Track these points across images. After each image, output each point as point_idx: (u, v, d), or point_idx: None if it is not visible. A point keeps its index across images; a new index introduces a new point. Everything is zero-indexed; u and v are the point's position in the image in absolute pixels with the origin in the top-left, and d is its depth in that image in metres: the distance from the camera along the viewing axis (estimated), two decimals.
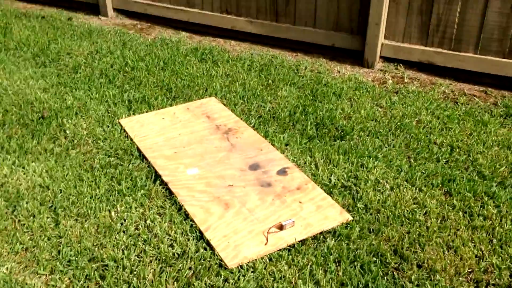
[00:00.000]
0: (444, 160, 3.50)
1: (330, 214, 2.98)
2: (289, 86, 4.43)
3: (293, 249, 2.76)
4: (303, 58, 5.04)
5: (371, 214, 3.00)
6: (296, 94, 4.28)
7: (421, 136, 3.74)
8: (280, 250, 2.75)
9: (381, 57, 4.86)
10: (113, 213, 2.98)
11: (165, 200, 3.09)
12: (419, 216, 2.98)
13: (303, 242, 2.80)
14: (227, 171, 3.33)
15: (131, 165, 3.38)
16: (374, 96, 4.30)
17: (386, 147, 3.62)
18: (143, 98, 4.20)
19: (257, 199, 3.10)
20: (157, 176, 3.28)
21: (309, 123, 3.85)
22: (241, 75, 4.61)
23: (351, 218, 2.96)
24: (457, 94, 4.38)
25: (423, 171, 3.37)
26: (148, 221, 2.92)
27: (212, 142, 3.62)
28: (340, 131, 3.79)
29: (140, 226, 2.89)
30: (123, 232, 2.86)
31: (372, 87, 4.45)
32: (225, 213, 2.98)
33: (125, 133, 3.73)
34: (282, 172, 3.33)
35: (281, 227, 2.87)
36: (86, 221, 2.93)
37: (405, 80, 4.60)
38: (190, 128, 3.79)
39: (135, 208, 3.03)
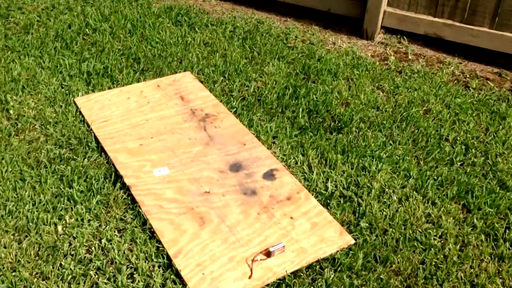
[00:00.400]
0: (459, 163, 2.97)
1: (328, 236, 2.45)
2: (277, 60, 3.81)
3: (283, 284, 2.23)
4: (293, 25, 4.40)
5: (377, 235, 2.47)
6: (285, 71, 3.67)
7: (430, 130, 3.20)
8: (267, 285, 2.22)
9: (382, 27, 4.25)
10: (60, 228, 2.40)
11: (127, 211, 2.52)
12: (434, 240, 2.48)
13: (295, 273, 2.28)
14: (203, 172, 2.76)
15: (86, 160, 2.78)
16: (375, 76, 3.72)
17: (390, 144, 3.07)
18: (105, 70, 3.55)
19: (239, 212, 2.54)
20: (118, 177, 2.70)
21: (300, 109, 3.27)
22: (222, 44, 3.97)
23: (353, 241, 2.43)
24: (468, 76, 3.83)
25: (435, 178, 2.85)
26: (103, 241, 2.35)
27: (186, 132, 3.02)
28: (336, 122, 3.22)
29: (93, 248, 2.33)
30: (71, 256, 2.29)
31: (372, 64, 3.86)
32: (200, 231, 2.43)
33: (81, 116, 3.10)
34: (269, 175, 2.77)
35: (268, 254, 2.33)
36: (25, 238, 2.35)
37: (409, 57, 4.02)
38: (160, 112, 3.17)
39: (89, 221, 2.45)
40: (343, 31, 4.35)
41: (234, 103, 3.30)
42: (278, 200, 2.62)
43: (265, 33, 4.18)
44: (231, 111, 3.22)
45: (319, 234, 2.45)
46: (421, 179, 2.82)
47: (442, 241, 2.47)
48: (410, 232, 2.50)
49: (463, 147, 3.10)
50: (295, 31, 4.27)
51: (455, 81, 3.77)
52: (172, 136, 2.98)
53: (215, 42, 3.99)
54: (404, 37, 4.20)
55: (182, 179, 2.70)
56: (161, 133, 3.00)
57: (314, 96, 3.42)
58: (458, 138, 3.16)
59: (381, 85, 3.64)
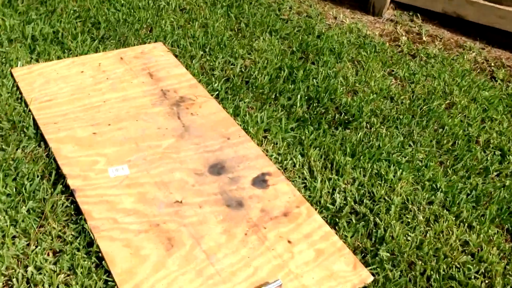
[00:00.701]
0: (495, 173, 2.39)
1: (338, 269, 1.83)
2: (269, 34, 3.15)
3: None
4: None
5: (401, 271, 1.86)
6: (278, 48, 3.02)
7: (456, 129, 2.60)
8: None
9: (392, 1, 3.62)
10: None
11: (67, 225, 1.86)
12: (476, 279, 1.88)
13: None
14: (174, 173, 2.10)
15: (19, 150, 2.10)
16: (385, 59, 3.10)
17: (410, 145, 2.47)
18: (55, 36, 2.84)
19: (220, 231, 1.90)
20: (60, 176, 2.02)
21: (298, 96, 2.63)
22: (202, 11, 3.28)
23: (372, 278, 1.82)
24: (493, 64, 3.23)
25: (469, 192, 2.25)
26: (30, 269, 1.69)
27: (155, 120, 2.35)
28: (343, 114, 2.59)
29: (14, 279, 1.66)
30: None
31: (381, 45, 3.23)
32: (167, 258, 1.78)
33: (18, 92, 2.41)
34: (261, 181, 2.13)
35: None
36: None
37: (424, 38, 3.40)
38: (122, 92, 2.49)
39: (13, 238, 1.78)
40: (345, 3, 3.71)
41: (216, 85, 2.63)
42: (272, 216, 1.99)
43: (253, 1, 3.50)
44: (212, 95, 2.56)
45: (327, 267, 1.83)
46: (452, 193, 2.22)
47: (487, 282, 1.88)
48: (444, 266, 1.90)
49: (498, 152, 2.51)
50: (289, 1, 3.60)
51: (479, 70, 3.17)
52: (135, 124, 2.31)
53: (193, 8, 3.29)
54: (418, 14, 3.58)
55: (146, 183, 2.04)
56: (122, 119, 2.33)
57: (314, 80, 2.78)
58: (491, 141, 2.56)
59: (393, 70, 3.01)
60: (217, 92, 2.59)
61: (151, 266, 1.74)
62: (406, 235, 2.01)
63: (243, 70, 2.78)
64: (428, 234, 2.02)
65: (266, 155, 2.27)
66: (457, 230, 2.06)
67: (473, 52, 3.32)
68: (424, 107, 2.71)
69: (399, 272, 1.86)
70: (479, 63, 3.24)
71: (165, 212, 1.93)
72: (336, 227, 2.01)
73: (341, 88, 2.74)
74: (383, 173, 2.27)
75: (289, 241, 1.90)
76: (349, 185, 2.19)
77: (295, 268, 1.81)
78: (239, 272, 1.77)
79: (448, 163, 2.40)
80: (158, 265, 1.75)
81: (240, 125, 2.40)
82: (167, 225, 1.89)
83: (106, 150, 2.15)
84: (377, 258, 1.90)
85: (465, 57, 3.25)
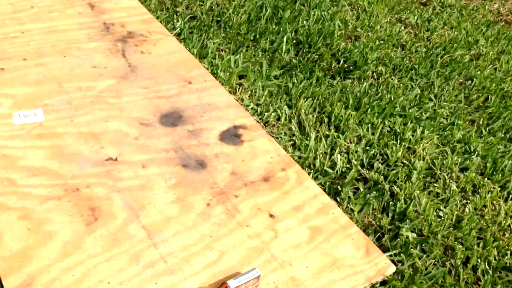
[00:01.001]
0: None
1: (344, 255, 1.23)
2: None
3: None
4: None
5: (435, 258, 1.27)
6: None
7: (486, 83, 2.03)
8: None
9: None
10: None
11: None
12: None
13: None
14: (109, 122, 1.49)
15: None
16: (391, 4, 2.51)
17: (431, 100, 1.88)
18: None
19: (171, 199, 1.29)
20: None
21: (284, 39, 2.03)
22: None
23: (394, 269, 1.22)
24: None
25: None
26: None
27: (90, 57, 1.73)
28: (341, 61, 1.99)
29: None
30: None
31: None
32: (86, 236, 1.17)
33: None
34: (232, 136, 1.52)
35: None
36: None
37: None
38: (49, 22, 1.87)
39: None
40: None
41: (179, 23, 2.02)
42: (247, 180, 1.38)
43: None
44: (171, 32, 1.94)
45: (327, 251, 1.23)
46: (491, 158, 1.63)
47: None
48: (495, 253, 1.31)
49: None
50: None
51: (504, 23, 2.60)
52: (62, 60, 1.69)
53: None
54: None
55: (67, 133, 1.42)
56: (44, 54, 1.71)
57: (304, 22, 2.18)
58: None
59: (403, 17, 2.43)
60: (179, 30, 1.98)
61: (58, 247, 1.13)
62: (437, 210, 1.42)
63: (214, 8, 2.17)
64: (467, 209, 1.43)
65: (241, 105, 1.66)
66: (506, 204, 1.47)
67: (495, 3, 2.76)
68: (445, 57, 2.13)
69: (432, 260, 1.26)
70: (504, 15, 2.68)
71: (91, 173, 1.32)
72: (338, 198, 1.41)
73: (339, 33, 2.15)
74: (398, 130, 1.68)
75: (271, 215, 1.30)
76: (353, 145, 1.60)
77: (280, 253, 1.21)
78: (196, 257, 1.16)
79: (481, 122, 1.82)
80: (71, 246, 1.14)
81: (207, 69, 1.79)
82: (92, 190, 1.27)
83: (14, 90, 1.53)
84: (398, 240, 1.30)
85: (486, 8, 2.68)
